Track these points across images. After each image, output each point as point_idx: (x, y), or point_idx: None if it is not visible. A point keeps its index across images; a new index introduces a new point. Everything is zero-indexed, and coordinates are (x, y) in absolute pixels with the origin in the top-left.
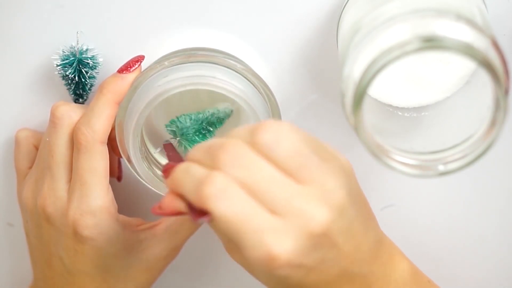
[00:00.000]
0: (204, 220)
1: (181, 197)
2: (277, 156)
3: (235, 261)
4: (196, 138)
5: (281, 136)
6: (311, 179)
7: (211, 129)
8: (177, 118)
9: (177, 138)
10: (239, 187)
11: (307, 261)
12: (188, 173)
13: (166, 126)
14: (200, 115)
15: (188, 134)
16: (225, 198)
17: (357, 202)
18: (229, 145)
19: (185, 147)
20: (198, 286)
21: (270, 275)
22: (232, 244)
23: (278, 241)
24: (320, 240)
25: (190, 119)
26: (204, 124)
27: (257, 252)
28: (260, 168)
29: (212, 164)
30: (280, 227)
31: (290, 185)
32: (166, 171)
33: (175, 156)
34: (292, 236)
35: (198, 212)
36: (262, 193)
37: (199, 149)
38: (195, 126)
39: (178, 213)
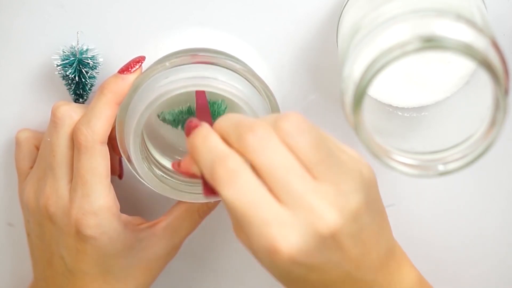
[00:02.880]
0: (213, 199)
1: (197, 164)
2: (298, 145)
3: (240, 241)
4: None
5: (305, 128)
6: (327, 177)
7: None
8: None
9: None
10: (253, 173)
11: (310, 260)
12: (207, 144)
13: (158, 115)
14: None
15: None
16: (236, 183)
17: (373, 210)
18: (258, 128)
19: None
20: (197, 285)
21: (273, 265)
22: (239, 227)
23: (284, 234)
24: (327, 242)
25: (180, 111)
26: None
27: (261, 241)
28: (282, 154)
29: (237, 142)
30: (288, 220)
31: (306, 179)
32: (188, 128)
33: (203, 106)
34: (298, 231)
35: (210, 188)
36: (277, 181)
37: (227, 120)
38: (179, 117)
39: (194, 176)
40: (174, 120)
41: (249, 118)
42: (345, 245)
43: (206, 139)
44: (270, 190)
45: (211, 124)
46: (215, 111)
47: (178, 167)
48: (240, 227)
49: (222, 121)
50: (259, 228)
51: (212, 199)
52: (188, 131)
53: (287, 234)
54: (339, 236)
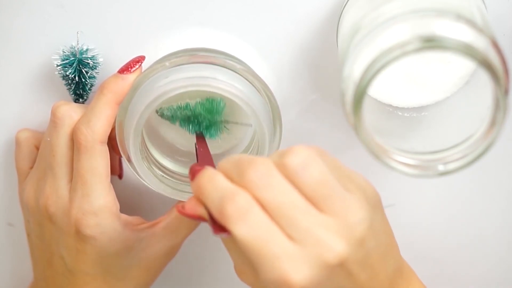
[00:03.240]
0: (223, 236)
1: (203, 203)
2: (303, 182)
3: (244, 282)
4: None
5: (309, 163)
6: (333, 210)
7: (199, 119)
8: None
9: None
10: (261, 209)
11: None
12: (214, 183)
13: (157, 111)
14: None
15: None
16: (247, 220)
17: (379, 233)
18: (258, 164)
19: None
20: (197, 286)
21: None
22: (244, 266)
23: (295, 268)
24: (336, 270)
25: (178, 107)
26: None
27: (273, 276)
28: (285, 191)
29: (239, 179)
30: (298, 255)
31: (312, 214)
32: (193, 173)
33: (204, 153)
34: (308, 264)
35: (219, 226)
36: (283, 217)
37: (228, 161)
38: (178, 113)
39: (200, 218)
40: (172, 116)
41: (249, 156)
42: (354, 272)
43: (212, 178)
44: (278, 225)
45: (213, 166)
46: (213, 109)
47: (182, 209)
48: (245, 266)
49: (224, 163)
50: (271, 263)
51: (221, 236)
52: (193, 175)
53: (297, 267)
54: (347, 264)
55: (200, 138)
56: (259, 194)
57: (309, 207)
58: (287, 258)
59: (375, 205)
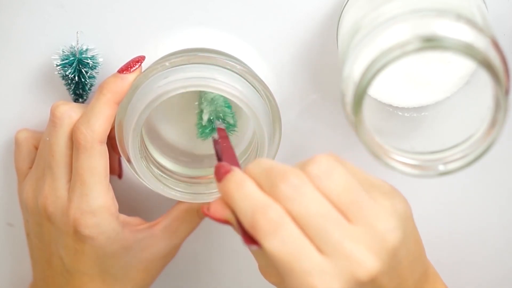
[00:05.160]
0: (254, 248)
1: (232, 209)
2: (329, 188)
3: (268, 281)
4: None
5: (333, 170)
6: (362, 219)
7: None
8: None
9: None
10: (293, 223)
11: None
12: (244, 191)
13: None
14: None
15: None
16: (279, 234)
17: (409, 242)
18: (291, 176)
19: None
20: (196, 286)
21: None
22: (270, 269)
23: (326, 284)
24: (367, 286)
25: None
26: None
27: None
28: (318, 202)
29: (270, 190)
30: (329, 270)
31: (342, 224)
32: (220, 174)
33: (228, 148)
34: (339, 280)
35: (249, 237)
36: (315, 230)
37: (259, 167)
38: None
39: (226, 222)
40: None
41: (280, 165)
42: (384, 284)
43: (242, 186)
44: (309, 238)
45: (238, 165)
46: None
47: (207, 211)
48: (271, 269)
49: (253, 168)
50: (302, 278)
51: (252, 248)
52: (219, 176)
53: (329, 283)
54: (378, 279)
55: (222, 131)
56: (291, 207)
57: (340, 218)
58: (318, 273)
59: (405, 213)
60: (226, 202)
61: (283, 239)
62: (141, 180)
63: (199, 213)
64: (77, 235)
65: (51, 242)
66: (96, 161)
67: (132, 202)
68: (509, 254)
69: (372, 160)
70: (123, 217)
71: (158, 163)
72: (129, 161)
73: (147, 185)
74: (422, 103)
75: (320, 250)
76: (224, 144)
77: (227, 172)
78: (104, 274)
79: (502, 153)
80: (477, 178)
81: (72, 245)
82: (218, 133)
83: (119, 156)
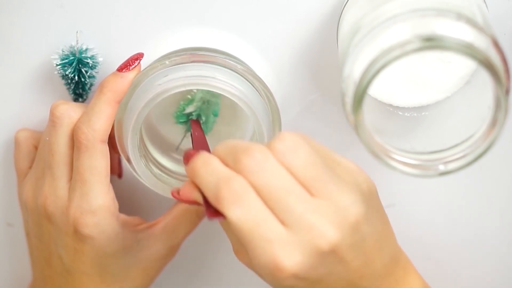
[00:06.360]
0: (217, 220)
1: (199, 188)
2: (293, 164)
3: (242, 263)
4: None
5: (297, 146)
6: (325, 193)
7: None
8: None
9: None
10: (256, 194)
11: (313, 275)
12: (208, 167)
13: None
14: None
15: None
16: (241, 204)
17: (374, 219)
18: (253, 150)
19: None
20: (196, 286)
21: (276, 282)
22: (241, 247)
23: (286, 253)
24: (328, 257)
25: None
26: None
27: (264, 260)
28: (280, 176)
29: (234, 165)
30: (290, 240)
31: (305, 198)
32: (187, 157)
33: (199, 138)
34: (300, 250)
35: (213, 210)
36: (277, 202)
37: (224, 146)
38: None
39: (195, 203)
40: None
41: (246, 142)
42: (347, 257)
43: (207, 163)
44: (272, 210)
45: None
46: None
47: (177, 194)
48: (242, 248)
49: (219, 147)
50: (263, 247)
51: (215, 221)
52: (187, 159)
53: (290, 252)
54: (340, 250)
55: (195, 123)
56: (254, 180)
57: (303, 192)
58: (280, 243)
59: (369, 191)
60: (193, 183)
61: (245, 208)
62: (140, 179)
63: (199, 213)
64: (77, 234)
65: (50, 242)
66: (97, 161)
67: (132, 202)
68: (509, 254)
69: (372, 160)
70: (123, 216)
71: (157, 162)
72: (128, 160)
73: (146, 184)
74: (422, 103)
75: (282, 222)
76: (196, 133)
77: (195, 155)
78: (104, 273)
79: (502, 153)
80: (477, 178)
81: (71, 245)
82: (192, 123)
83: (119, 155)
